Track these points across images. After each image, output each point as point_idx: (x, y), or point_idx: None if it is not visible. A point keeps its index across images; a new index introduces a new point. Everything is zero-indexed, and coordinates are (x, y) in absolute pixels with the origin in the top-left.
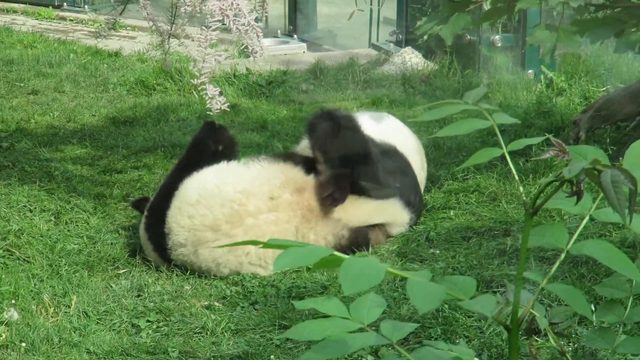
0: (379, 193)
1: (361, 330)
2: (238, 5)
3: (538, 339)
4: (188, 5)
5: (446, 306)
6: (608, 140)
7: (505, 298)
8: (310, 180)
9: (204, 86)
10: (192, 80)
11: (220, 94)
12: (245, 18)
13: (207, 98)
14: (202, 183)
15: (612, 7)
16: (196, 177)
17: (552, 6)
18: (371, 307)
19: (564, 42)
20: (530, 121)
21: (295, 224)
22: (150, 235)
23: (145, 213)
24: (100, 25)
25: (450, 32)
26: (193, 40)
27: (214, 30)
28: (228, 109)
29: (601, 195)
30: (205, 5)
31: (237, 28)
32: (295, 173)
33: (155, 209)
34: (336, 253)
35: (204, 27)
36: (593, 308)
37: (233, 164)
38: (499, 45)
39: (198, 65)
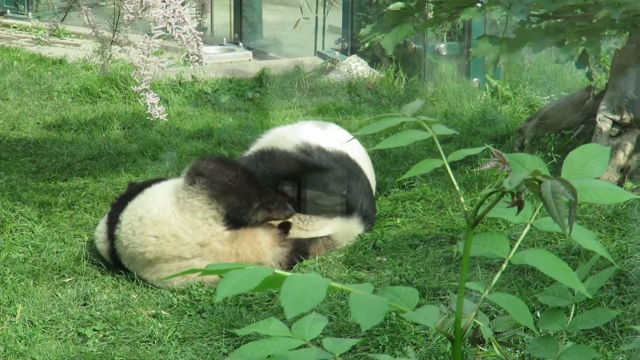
0: (332, 207)
1: (304, 346)
2: (180, 13)
3: (483, 349)
4: (131, 13)
5: (393, 314)
6: (552, 148)
7: (449, 308)
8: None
9: (144, 94)
10: (133, 88)
11: (164, 102)
12: (187, 25)
13: (147, 104)
14: (149, 206)
15: (554, 18)
16: (153, 192)
17: (494, 18)
18: (313, 323)
19: (507, 54)
20: (476, 129)
21: None
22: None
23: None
24: (43, 32)
25: (391, 42)
26: (136, 48)
27: (157, 37)
28: (166, 119)
29: (542, 204)
30: (148, 13)
31: (179, 36)
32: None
33: (117, 204)
34: (277, 271)
35: (147, 35)
36: (539, 315)
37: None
38: (444, 53)
39: (139, 72)
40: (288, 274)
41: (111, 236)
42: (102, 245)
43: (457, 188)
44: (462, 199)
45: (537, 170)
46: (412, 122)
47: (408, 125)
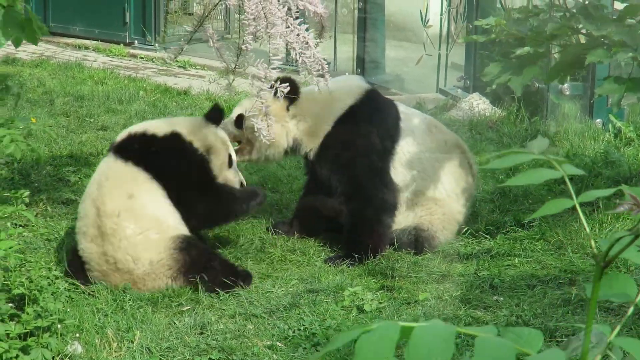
0: None
1: None
2: (305, 37)
3: None
4: (249, 43)
5: None
6: None
7: (568, 352)
8: None
9: (252, 120)
10: (244, 113)
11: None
12: (311, 50)
13: (256, 128)
14: None
15: None
16: None
17: (621, 60)
18: None
19: (633, 92)
20: (598, 170)
21: None
22: None
23: None
24: (167, 57)
25: (520, 84)
26: (254, 78)
27: (274, 68)
28: (269, 142)
29: None
30: (270, 43)
31: (303, 61)
32: None
33: None
34: (403, 324)
35: (265, 65)
36: None
37: None
38: (567, 93)
39: (252, 96)
40: (414, 324)
41: None
42: None
43: (588, 230)
44: (592, 242)
45: None
46: (539, 160)
47: (530, 164)
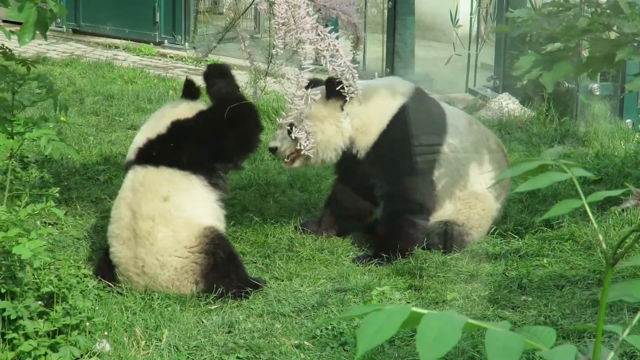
0: None
1: None
2: (335, 46)
3: None
4: (280, 48)
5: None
6: None
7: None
8: None
9: (289, 127)
10: (277, 119)
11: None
12: (341, 59)
13: (299, 139)
14: None
15: None
16: None
17: None
18: None
19: None
20: (627, 171)
21: None
22: None
23: None
24: (197, 56)
25: (551, 79)
26: (289, 81)
27: (308, 72)
28: (312, 155)
29: None
30: (300, 48)
31: (333, 69)
32: None
33: None
34: (414, 309)
35: (297, 69)
36: None
37: None
38: (597, 93)
39: (288, 104)
40: (425, 311)
41: None
42: None
43: (595, 226)
44: (600, 236)
45: None
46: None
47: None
